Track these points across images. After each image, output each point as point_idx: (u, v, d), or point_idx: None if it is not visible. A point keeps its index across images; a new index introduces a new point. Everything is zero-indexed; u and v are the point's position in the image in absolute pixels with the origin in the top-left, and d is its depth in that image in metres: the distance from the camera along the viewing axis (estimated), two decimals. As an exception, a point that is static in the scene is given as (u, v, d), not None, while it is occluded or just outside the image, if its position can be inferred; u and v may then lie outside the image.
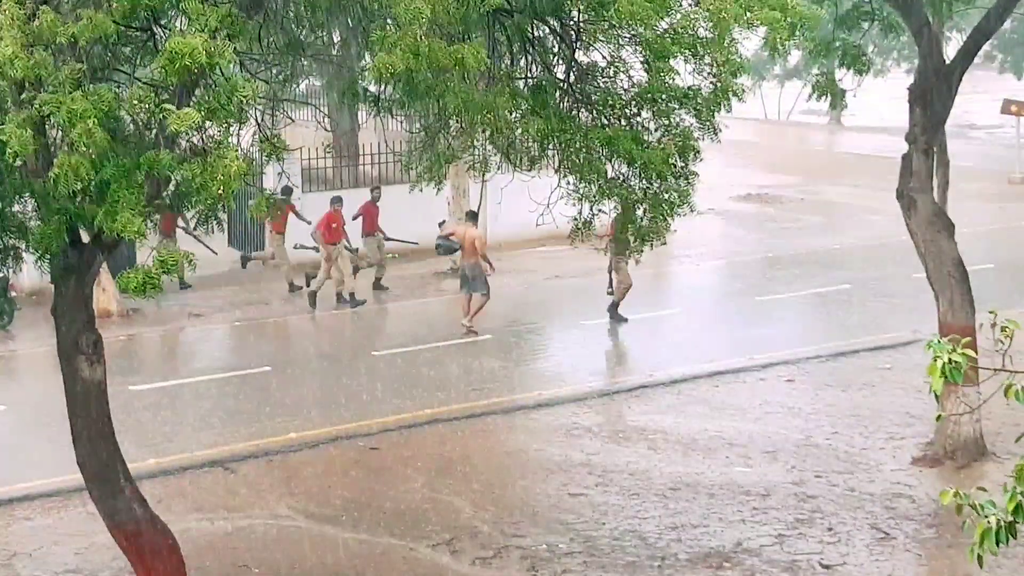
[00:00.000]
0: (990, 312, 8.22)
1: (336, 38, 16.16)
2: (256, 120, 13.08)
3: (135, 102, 10.59)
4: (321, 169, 34.23)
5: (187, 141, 11.25)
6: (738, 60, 12.95)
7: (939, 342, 7.74)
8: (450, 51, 11.20)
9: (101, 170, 10.53)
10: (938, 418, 17.49)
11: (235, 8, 11.17)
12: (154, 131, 11.10)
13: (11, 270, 13.89)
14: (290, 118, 15.03)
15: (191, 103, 10.66)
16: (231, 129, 10.95)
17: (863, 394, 23.05)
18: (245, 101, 10.59)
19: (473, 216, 28.41)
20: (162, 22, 12.12)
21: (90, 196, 10.98)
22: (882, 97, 52.97)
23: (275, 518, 17.93)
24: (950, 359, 7.57)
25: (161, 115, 10.33)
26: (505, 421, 21.92)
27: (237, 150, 10.60)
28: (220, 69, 10.84)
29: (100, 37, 10.76)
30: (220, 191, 10.32)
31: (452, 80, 11.64)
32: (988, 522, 7.49)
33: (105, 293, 26.87)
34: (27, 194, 11.92)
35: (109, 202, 10.61)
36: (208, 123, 10.59)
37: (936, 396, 7.78)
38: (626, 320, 27.49)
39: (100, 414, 13.83)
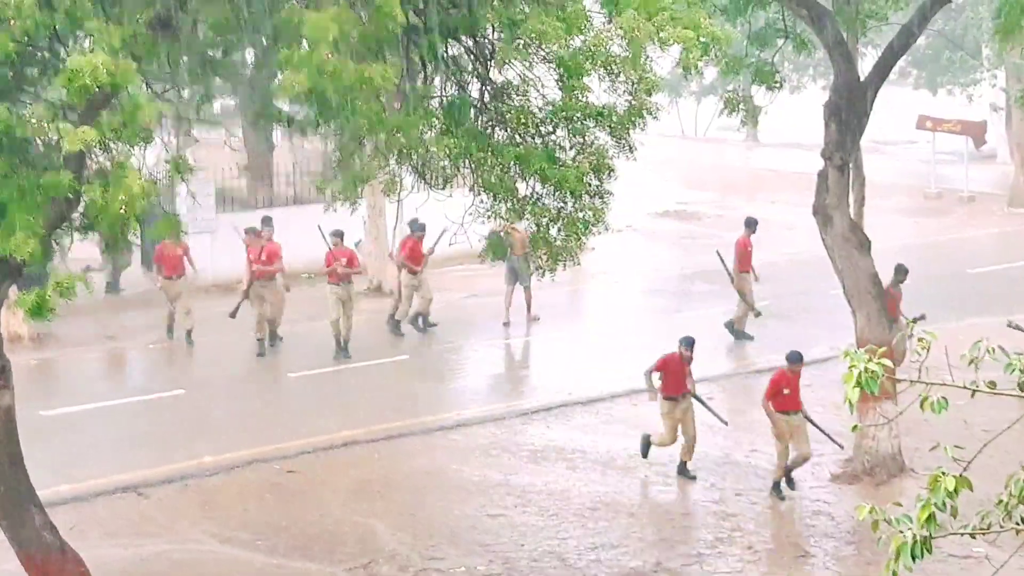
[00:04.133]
0: (907, 323, 8.22)
1: (250, 57, 16.02)
2: (162, 141, 12.89)
3: (33, 121, 10.43)
4: (237, 190, 34.03)
5: (94, 162, 11.10)
6: (652, 78, 12.93)
7: (856, 352, 7.71)
8: (357, 70, 11.09)
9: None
10: (854, 428, 17.48)
11: (143, 28, 11.02)
12: (62, 152, 10.94)
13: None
14: (196, 139, 14.84)
15: (95, 124, 10.50)
16: (136, 150, 10.81)
17: (782, 411, 23.00)
18: (149, 121, 10.44)
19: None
20: (68, 43, 11.93)
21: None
22: (798, 113, 53.20)
23: (190, 543, 17.71)
24: (866, 368, 7.54)
25: (58, 135, 10.19)
26: (423, 442, 21.75)
27: (139, 171, 10.47)
28: (127, 89, 10.68)
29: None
30: (122, 212, 10.17)
31: (362, 99, 11.52)
32: (904, 537, 7.45)
33: (15, 316, 26.40)
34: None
35: (6, 223, 10.45)
36: (112, 144, 10.44)
37: (851, 406, 7.73)
38: None
39: (8, 441, 13.65)
